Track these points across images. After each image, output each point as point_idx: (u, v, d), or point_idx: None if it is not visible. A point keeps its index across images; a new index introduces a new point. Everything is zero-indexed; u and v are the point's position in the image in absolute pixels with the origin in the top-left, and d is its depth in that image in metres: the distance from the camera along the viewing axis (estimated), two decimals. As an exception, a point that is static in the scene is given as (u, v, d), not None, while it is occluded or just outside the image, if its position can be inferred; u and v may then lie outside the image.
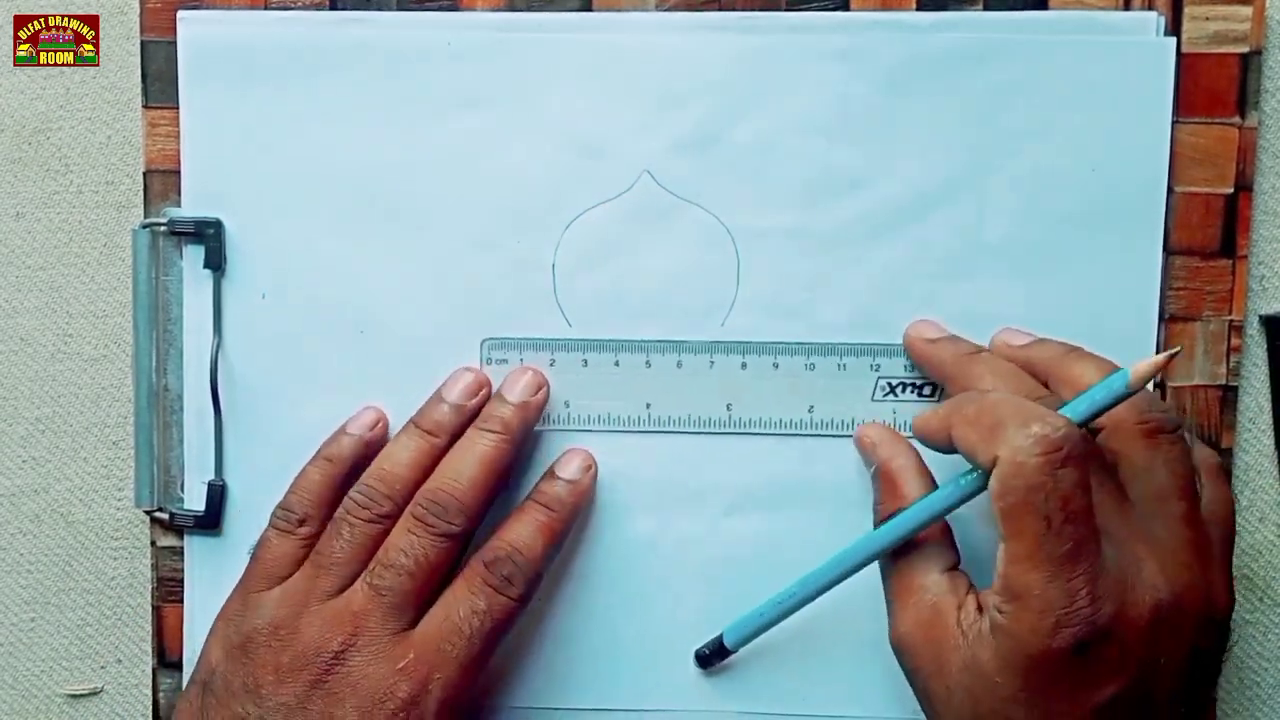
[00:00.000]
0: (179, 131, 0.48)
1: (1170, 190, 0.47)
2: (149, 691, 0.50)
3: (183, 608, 0.49)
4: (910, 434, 0.46)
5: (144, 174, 0.48)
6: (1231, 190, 0.47)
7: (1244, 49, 0.47)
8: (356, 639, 0.43)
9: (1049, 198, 0.47)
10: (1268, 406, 0.49)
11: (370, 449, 0.47)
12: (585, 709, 0.49)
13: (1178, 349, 0.40)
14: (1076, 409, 0.40)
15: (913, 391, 0.48)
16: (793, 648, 0.48)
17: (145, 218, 0.48)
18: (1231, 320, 0.48)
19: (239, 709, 0.43)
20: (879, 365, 0.48)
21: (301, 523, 0.46)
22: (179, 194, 0.48)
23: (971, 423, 0.41)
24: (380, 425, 0.48)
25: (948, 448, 0.42)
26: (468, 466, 0.45)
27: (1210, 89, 0.47)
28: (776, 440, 0.48)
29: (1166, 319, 0.48)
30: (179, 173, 0.48)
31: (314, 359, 0.48)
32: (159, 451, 0.49)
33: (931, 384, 0.48)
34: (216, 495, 0.48)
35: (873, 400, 0.48)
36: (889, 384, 0.48)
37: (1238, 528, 0.48)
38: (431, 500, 0.45)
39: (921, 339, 0.47)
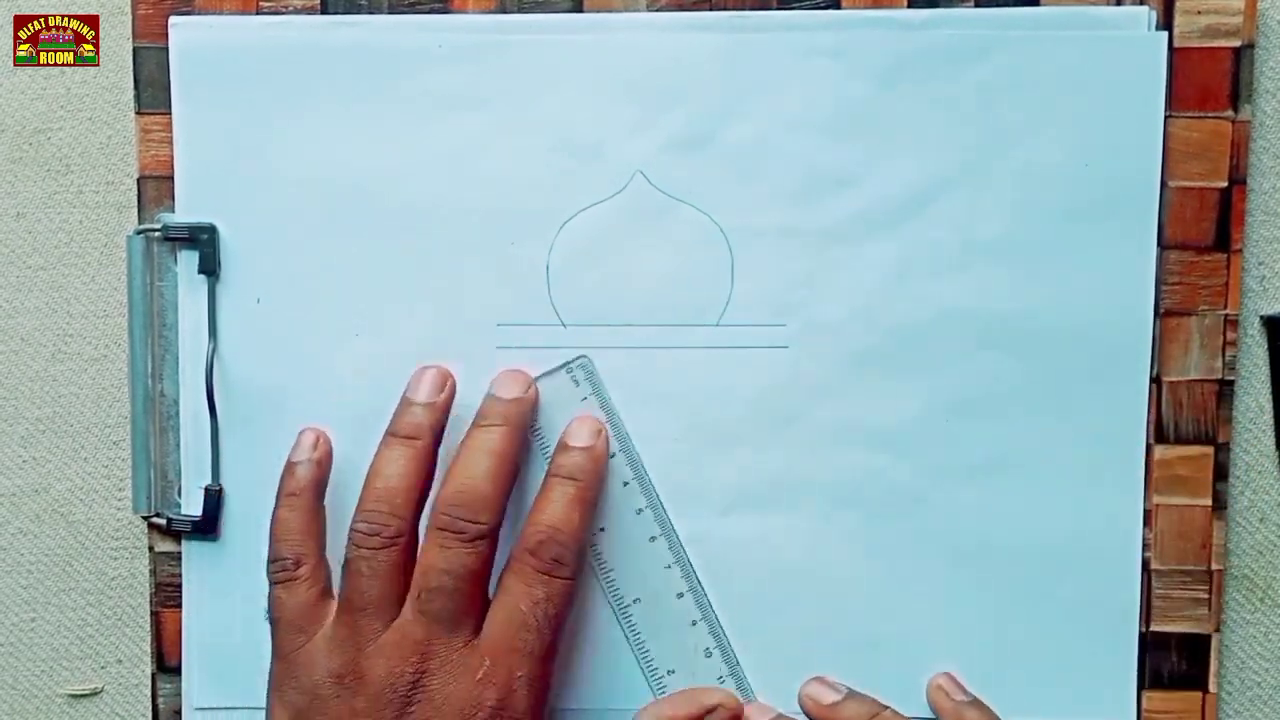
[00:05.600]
0: (172, 137, 0.48)
1: (1164, 185, 0.47)
2: (149, 692, 0.50)
3: (181, 613, 0.49)
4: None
5: (138, 180, 0.49)
6: (1225, 184, 0.47)
7: (1236, 43, 0.46)
8: (427, 663, 0.43)
9: (1042, 193, 0.47)
10: (1268, 406, 0.48)
11: (322, 469, 0.47)
12: (588, 709, 0.49)
13: None
14: None
15: None
16: (788, 645, 0.49)
17: (140, 224, 0.49)
18: (1227, 315, 0.47)
19: None
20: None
21: (298, 564, 0.46)
22: (173, 200, 0.48)
23: None
24: (322, 442, 0.48)
25: None
26: (479, 463, 0.45)
27: (1202, 83, 0.47)
28: (769, 439, 0.48)
29: (1161, 314, 0.47)
30: (173, 178, 0.48)
31: (309, 363, 0.48)
32: (156, 457, 0.49)
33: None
34: (213, 500, 0.49)
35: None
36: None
37: (1238, 528, 0.48)
38: (454, 505, 0.44)
39: (814, 701, 0.48)
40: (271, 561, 0.46)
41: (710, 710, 0.47)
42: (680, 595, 0.48)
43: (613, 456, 0.48)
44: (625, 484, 0.48)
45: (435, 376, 0.47)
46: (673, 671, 0.48)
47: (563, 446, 0.47)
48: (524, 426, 0.47)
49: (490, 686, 0.43)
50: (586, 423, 0.47)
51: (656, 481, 0.48)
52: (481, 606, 0.45)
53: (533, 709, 0.44)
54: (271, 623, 0.46)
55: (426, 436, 0.46)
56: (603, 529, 0.48)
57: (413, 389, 0.47)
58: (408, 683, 0.43)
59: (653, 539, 0.48)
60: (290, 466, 0.47)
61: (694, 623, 0.48)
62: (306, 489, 0.47)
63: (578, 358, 0.48)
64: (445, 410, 0.47)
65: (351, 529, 0.45)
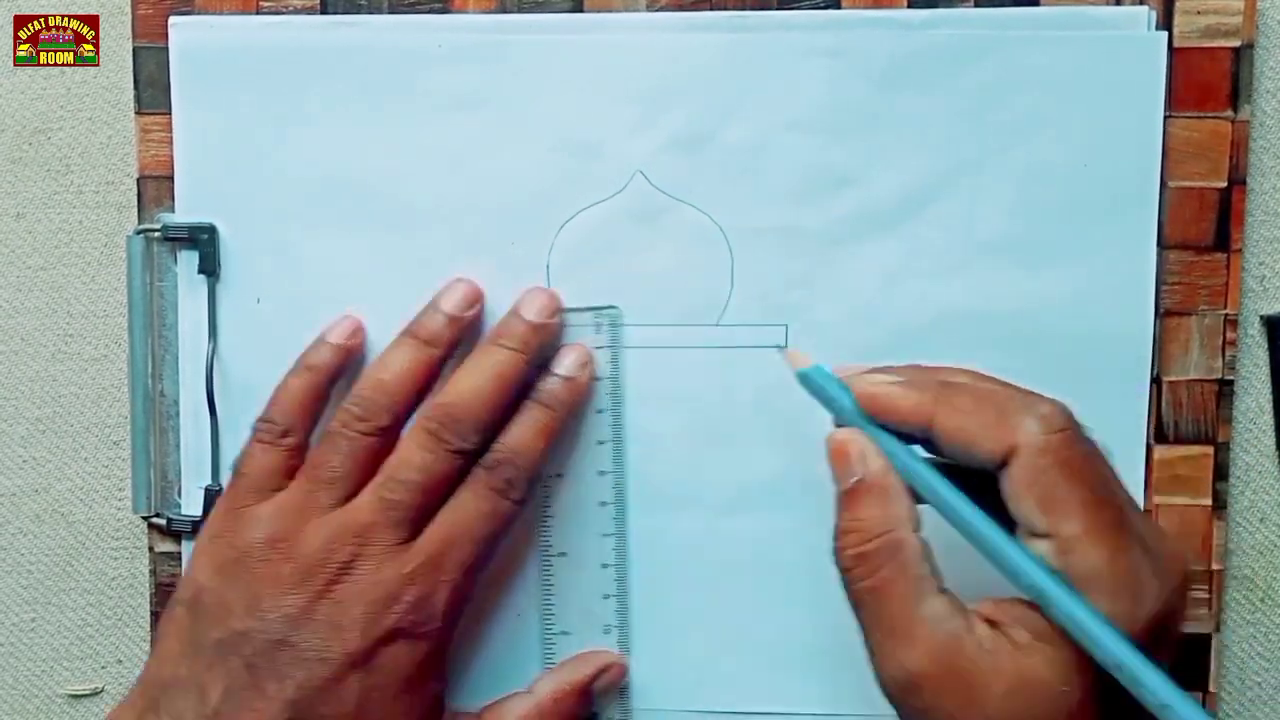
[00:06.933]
0: (172, 137, 0.48)
1: (1164, 184, 0.47)
2: (149, 691, 0.50)
3: (180, 611, 0.49)
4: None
5: (138, 180, 0.49)
6: (1225, 184, 0.47)
7: (1235, 43, 0.46)
8: (365, 549, 0.43)
9: (1042, 193, 0.47)
10: (1268, 406, 0.48)
11: (350, 356, 0.47)
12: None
13: None
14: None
15: None
16: (778, 646, 0.49)
17: (139, 224, 0.49)
18: (1227, 314, 0.47)
19: (237, 625, 0.43)
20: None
21: (285, 434, 0.45)
22: (173, 200, 0.48)
23: (968, 413, 0.38)
24: (358, 333, 0.48)
25: (917, 433, 0.39)
26: (483, 382, 0.45)
27: (1202, 83, 0.47)
28: (769, 439, 0.48)
29: (1162, 314, 0.47)
30: (173, 178, 0.48)
31: (309, 362, 0.49)
32: (155, 457, 0.49)
33: None
34: (213, 500, 0.48)
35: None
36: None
37: (1238, 528, 0.48)
38: (446, 415, 0.44)
39: (885, 381, 0.40)
40: (262, 419, 0.46)
41: (604, 670, 0.48)
42: (605, 566, 0.48)
43: (598, 380, 0.48)
44: (600, 443, 0.48)
45: (467, 292, 0.47)
46: (566, 634, 0.48)
47: (547, 371, 0.47)
48: (539, 354, 0.46)
49: (414, 584, 0.43)
50: (575, 352, 0.47)
51: (654, 481, 0.48)
52: (431, 512, 0.44)
53: (446, 614, 0.44)
54: (234, 473, 0.46)
55: (442, 347, 0.46)
56: (560, 475, 0.48)
57: (444, 296, 0.47)
58: (339, 563, 0.43)
59: (603, 504, 0.48)
60: (320, 342, 0.47)
61: (606, 597, 0.48)
62: (324, 369, 0.47)
63: (610, 306, 0.48)
64: (467, 327, 0.47)
65: (343, 407, 0.45)
